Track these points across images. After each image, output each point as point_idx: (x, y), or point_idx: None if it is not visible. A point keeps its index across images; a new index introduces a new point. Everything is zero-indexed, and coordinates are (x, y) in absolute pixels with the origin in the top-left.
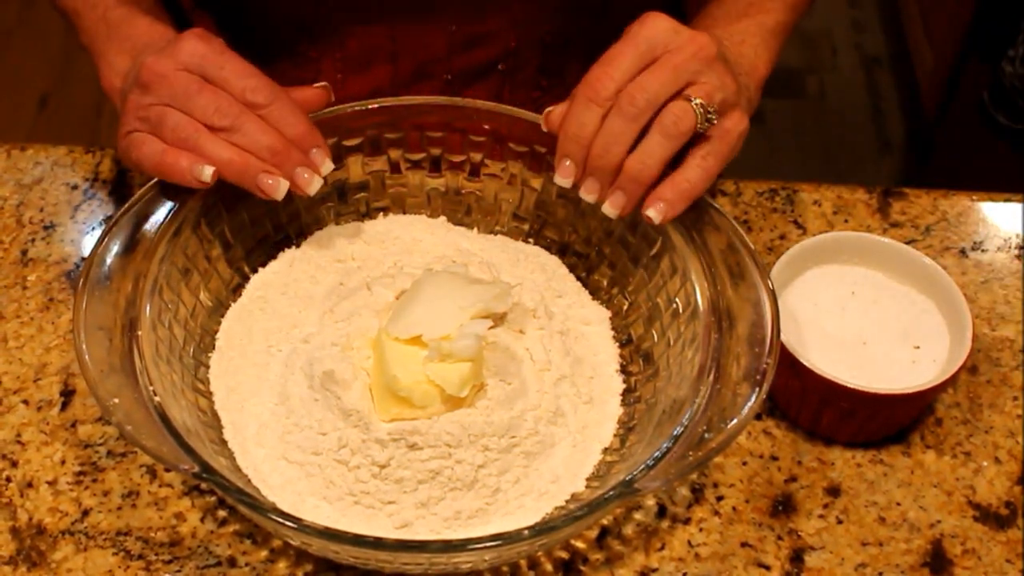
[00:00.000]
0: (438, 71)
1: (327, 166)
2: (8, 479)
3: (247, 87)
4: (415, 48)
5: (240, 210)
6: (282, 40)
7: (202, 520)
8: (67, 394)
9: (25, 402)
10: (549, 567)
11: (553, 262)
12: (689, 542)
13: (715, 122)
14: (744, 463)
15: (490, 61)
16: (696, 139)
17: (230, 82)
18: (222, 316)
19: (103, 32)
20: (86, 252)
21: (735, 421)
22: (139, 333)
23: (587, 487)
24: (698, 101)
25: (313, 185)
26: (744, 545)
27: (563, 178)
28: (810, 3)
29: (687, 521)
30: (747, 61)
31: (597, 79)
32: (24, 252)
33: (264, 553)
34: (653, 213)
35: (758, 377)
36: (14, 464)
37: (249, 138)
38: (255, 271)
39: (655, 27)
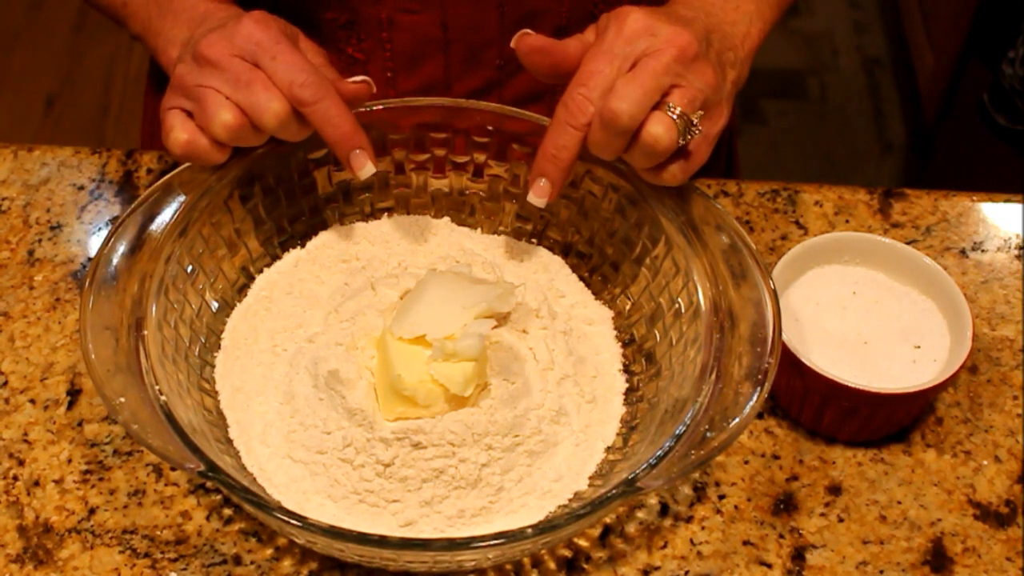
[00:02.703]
0: (490, 57)
1: (367, 169)
2: (15, 478)
3: (295, 82)
4: (467, 33)
5: (245, 211)
6: (328, 42)
7: (208, 518)
8: (73, 393)
9: (32, 401)
10: (552, 565)
11: (556, 262)
12: (691, 540)
13: (696, 134)
14: (746, 462)
15: None
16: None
17: (279, 74)
18: (227, 316)
19: (155, 12)
20: (92, 252)
21: (737, 420)
22: (145, 333)
23: (590, 486)
24: (678, 111)
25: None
26: (746, 543)
27: (538, 197)
28: None
29: (689, 519)
30: (740, 30)
31: (575, 102)
32: (31, 252)
33: (269, 551)
34: None
35: (760, 376)
36: (21, 463)
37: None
38: (260, 271)
39: (631, 29)
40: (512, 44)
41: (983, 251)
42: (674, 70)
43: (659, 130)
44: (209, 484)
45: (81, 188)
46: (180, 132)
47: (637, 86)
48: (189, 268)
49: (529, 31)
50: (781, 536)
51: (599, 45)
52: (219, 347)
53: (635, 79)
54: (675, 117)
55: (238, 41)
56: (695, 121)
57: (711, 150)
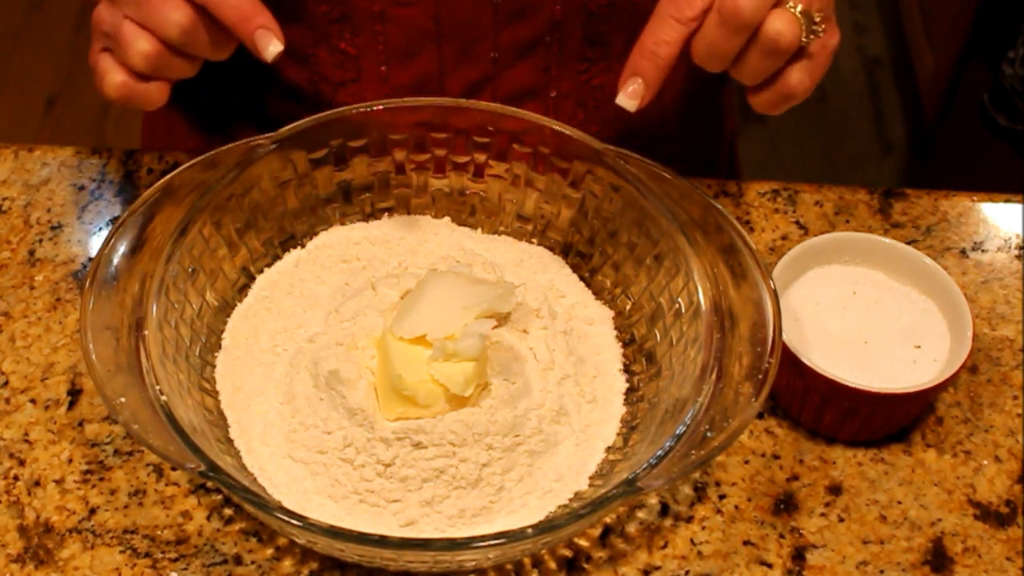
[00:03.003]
0: (484, 51)
1: (273, 48)
2: (16, 478)
3: None
4: (460, 27)
5: (245, 211)
6: (320, 37)
7: (208, 518)
8: (74, 393)
9: (32, 401)
10: (553, 565)
11: (556, 262)
12: (692, 540)
13: (819, 33)
14: (746, 462)
15: (535, 35)
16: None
17: None
18: (228, 316)
19: None
20: (93, 252)
21: (737, 420)
22: (146, 333)
23: (590, 485)
24: (800, 8)
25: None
26: (746, 543)
27: (629, 100)
28: None
29: (690, 519)
30: None
31: None
32: (31, 252)
33: (270, 551)
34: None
35: (760, 376)
36: (22, 463)
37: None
38: (261, 271)
39: None
40: None
41: (983, 251)
42: None
43: (780, 24)
44: (210, 484)
45: (82, 188)
46: (115, 74)
47: None
48: (190, 268)
49: None
50: (781, 536)
51: None
52: (220, 347)
53: None
54: (797, 13)
55: None
56: (817, 20)
57: (829, 64)
